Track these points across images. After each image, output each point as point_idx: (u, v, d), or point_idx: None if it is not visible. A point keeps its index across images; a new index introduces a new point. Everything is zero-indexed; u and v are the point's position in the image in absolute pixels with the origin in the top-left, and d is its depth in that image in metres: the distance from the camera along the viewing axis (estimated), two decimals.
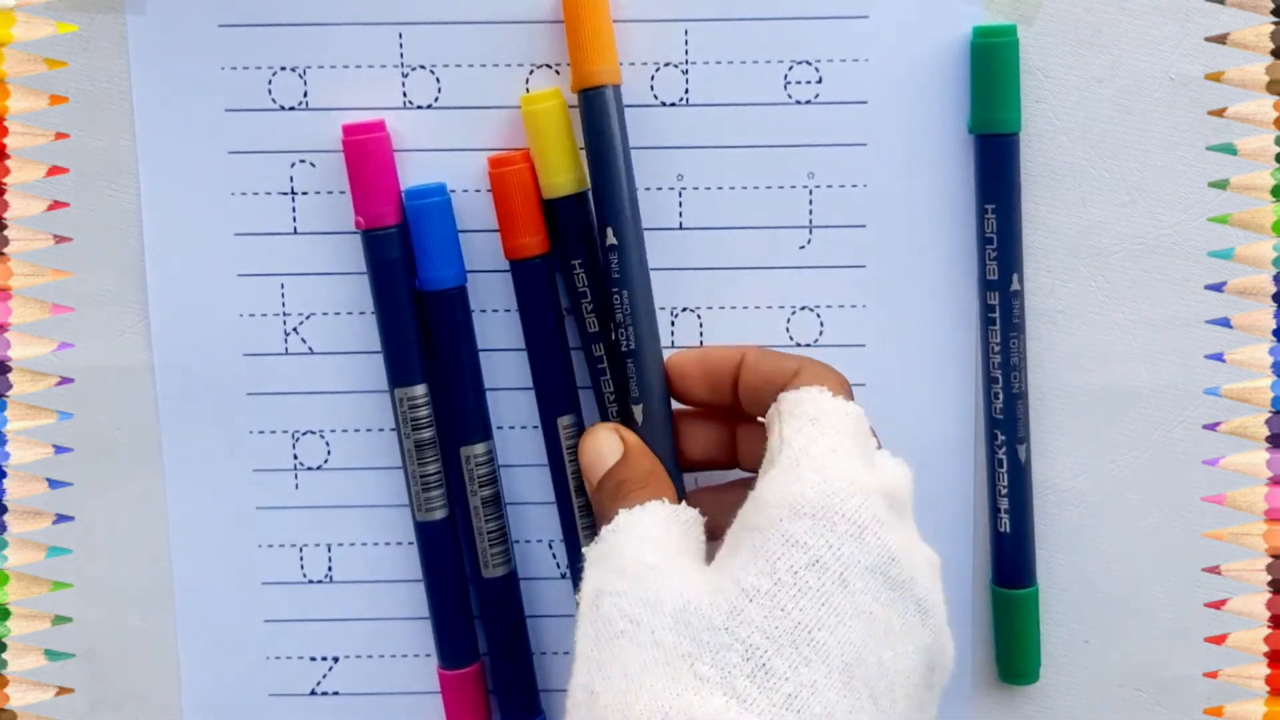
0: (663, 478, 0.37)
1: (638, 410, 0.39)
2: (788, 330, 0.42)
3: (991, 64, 0.40)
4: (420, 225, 0.41)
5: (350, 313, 0.42)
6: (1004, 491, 0.42)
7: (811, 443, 0.33)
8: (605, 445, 0.38)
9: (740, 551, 0.32)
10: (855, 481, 0.32)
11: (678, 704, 0.29)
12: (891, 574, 0.31)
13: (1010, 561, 0.42)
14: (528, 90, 0.41)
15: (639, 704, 0.30)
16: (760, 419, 0.36)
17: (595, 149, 0.39)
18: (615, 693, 0.30)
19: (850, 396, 0.35)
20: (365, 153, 0.40)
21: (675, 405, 0.39)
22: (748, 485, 0.35)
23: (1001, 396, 0.41)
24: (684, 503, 0.36)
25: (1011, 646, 0.43)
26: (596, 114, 0.38)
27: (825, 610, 0.31)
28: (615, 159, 0.38)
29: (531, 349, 0.41)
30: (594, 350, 0.40)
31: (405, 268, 0.41)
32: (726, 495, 0.38)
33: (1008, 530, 0.42)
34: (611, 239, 0.38)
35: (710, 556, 0.34)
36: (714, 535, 0.36)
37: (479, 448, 0.42)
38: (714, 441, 0.40)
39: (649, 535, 0.34)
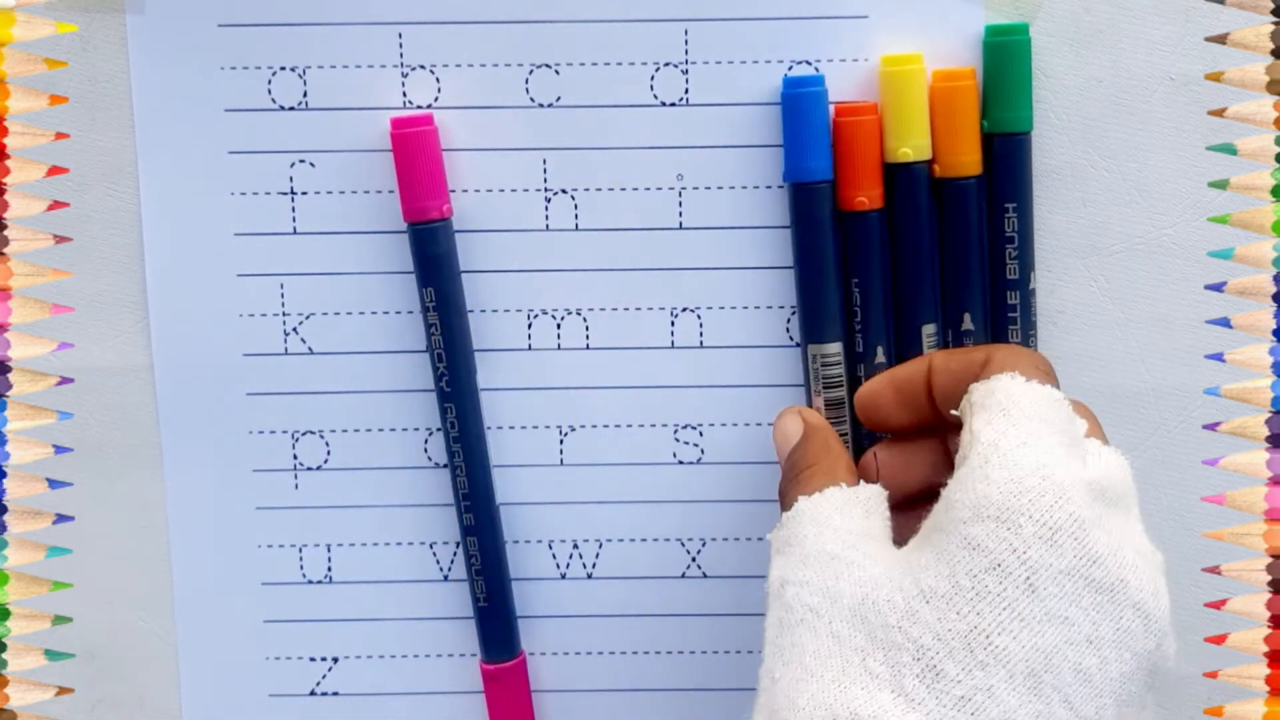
0: (835, 455, 0.36)
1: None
2: (788, 331, 0.42)
3: (1005, 63, 0.40)
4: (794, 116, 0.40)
5: (350, 313, 0.42)
6: None
7: (1002, 436, 0.31)
8: (789, 427, 0.38)
9: (925, 550, 0.31)
10: (1050, 478, 0.30)
11: (843, 697, 0.29)
12: (1095, 576, 0.30)
13: None
14: (527, 89, 0.41)
15: (806, 693, 0.30)
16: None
17: None
18: (791, 680, 0.30)
19: (1050, 379, 0.33)
20: (414, 146, 0.40)
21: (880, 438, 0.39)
22: (942, 439, 0.35)
23: None
24: (862, 481, 0.35)
25: None
26: None
27: (1007, 615, 0.29)
28: None
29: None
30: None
31: (453, 261, 0.41)
32: (916, 452, 0.38)
33: None
34: None
35: (898, 531, 0.34)
36: (902, 494, 0.36)
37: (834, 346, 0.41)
38: (928, 463, 0.37)
39: (829, 522, 0.33)
